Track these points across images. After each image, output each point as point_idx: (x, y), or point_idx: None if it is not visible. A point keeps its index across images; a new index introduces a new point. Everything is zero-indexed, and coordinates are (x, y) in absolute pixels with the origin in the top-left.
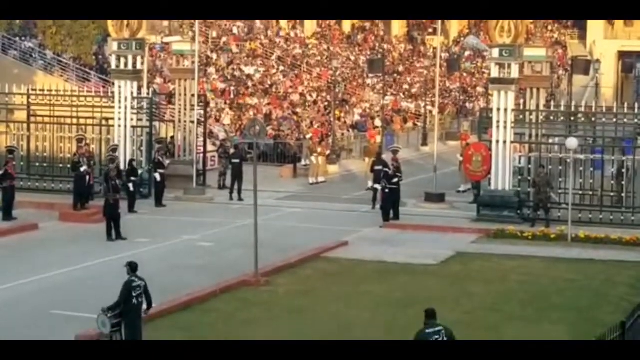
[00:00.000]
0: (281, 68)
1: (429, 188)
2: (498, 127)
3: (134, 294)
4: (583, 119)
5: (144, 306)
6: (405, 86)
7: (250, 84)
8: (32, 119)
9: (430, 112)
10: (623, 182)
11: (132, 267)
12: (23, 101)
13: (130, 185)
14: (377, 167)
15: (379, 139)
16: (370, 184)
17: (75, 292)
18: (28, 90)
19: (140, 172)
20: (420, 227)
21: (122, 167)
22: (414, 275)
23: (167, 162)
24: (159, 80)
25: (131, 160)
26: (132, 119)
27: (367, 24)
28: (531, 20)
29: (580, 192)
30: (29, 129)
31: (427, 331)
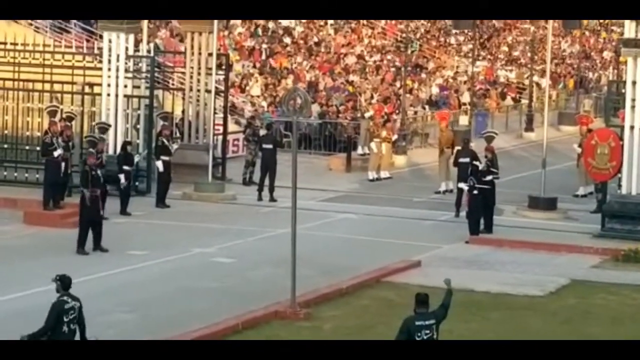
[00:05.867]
0: (331, 20)
1: (534, 190)
2: (633, 107)
3: (65, 319)
4: None
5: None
6: (504, 48)
7: (288, 40)
8: None
9: (538, 84)
10: None
11: (64, 283)
12: None
13: (123, 177)
14: (463, 160)
15: (464, 120)
16: (444, 185)
17: (40, 322)
18: None
19: (136, 159)
20: (522, 244)
21: (111, 151)
22: (512, 310)
23: (173, 146)
24: (163, 32)
25: (125, 143)
26: (125, 86)
27: None
28: None
29: None
30: None
31: (417, 323)
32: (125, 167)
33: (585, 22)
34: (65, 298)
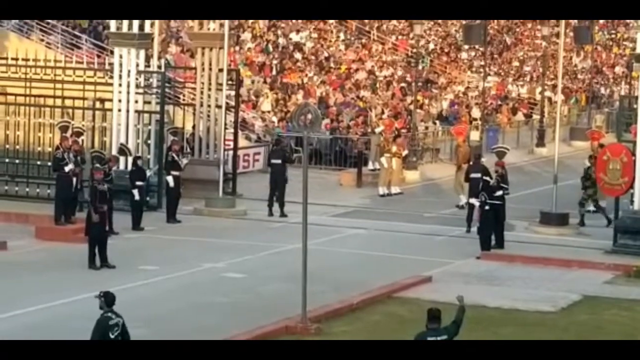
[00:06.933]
0: (342, 35)
1: (546, 206)
2: None
3: (110, 336)
4: None
5: None
6: (515, 63)
7: (299, 56)
8: (1, 98)
9: (550, 99)
10: None
11: (108, 300)
12: None
13: (136, 192)
14: (474, 175)
15: (475, 135)
16: (462, 199)
17: (51, 336)
18: None
19: (147, 174)
20: (533, 260)
21: (121, 167)
22: (523, 326)
23: (184, 161)
24: (174, 48)
25: (136, 159)
26: (136, 102)
27: None
28: None
29: None
30: None
31: (429, 339)
32: (138, 182)
33: (596, 37)
34: (109, 314)
